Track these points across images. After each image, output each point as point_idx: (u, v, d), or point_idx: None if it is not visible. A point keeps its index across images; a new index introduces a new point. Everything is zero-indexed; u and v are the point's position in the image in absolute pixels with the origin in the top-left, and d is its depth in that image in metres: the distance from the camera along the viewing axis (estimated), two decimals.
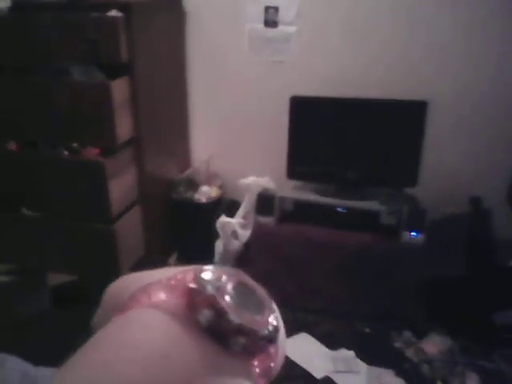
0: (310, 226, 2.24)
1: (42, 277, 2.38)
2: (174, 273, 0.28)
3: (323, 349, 2.03)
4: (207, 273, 0.27)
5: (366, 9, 2.30)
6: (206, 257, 2.39)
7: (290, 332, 1.98)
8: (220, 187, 2.68)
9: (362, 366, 1.94)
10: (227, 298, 0.26)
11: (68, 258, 2.26)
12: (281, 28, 2.42)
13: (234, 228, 2.38)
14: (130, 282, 0.31)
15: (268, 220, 2.27)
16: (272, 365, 0.29)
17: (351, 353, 2.00)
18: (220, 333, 0.26)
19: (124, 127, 2.10)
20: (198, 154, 2.78)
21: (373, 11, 2.29)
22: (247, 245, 2.34)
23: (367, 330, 2.14)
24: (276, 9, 2.39)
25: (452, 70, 2.28)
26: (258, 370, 0.28)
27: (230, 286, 0.27)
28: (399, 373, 1.89)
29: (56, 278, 2.38)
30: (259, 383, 0.28)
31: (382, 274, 2.13)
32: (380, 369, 1.92)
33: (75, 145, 2.20)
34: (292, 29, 2.41)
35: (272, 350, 0.29)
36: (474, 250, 2.07)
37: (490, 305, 2.06)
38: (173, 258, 2.65)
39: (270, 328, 0.28)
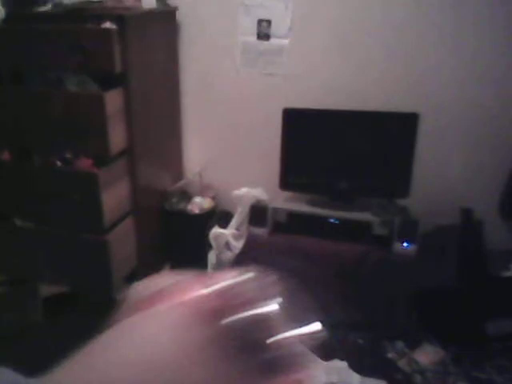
0: (302, 236, 2.25)
1: (33, 288, 2.36)
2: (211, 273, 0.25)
3: (316, 360, 2.03)
4: (250, 274, 0.25)
5: (358, 22, 2.33)
6: (198, 268, 2.38)
7: None
8: (213, 198, 2.68)
9: (354, 376, 1.94)
10: (269, 303, 0.23)
11: (60, 268, 2.25)
12: (273, 41, 2.44)
13: (227, 239, 2.38)
14: (162, 278, 0.28)
15: (261, 231, 2.28)
16: None
17: (344, 363, 2.00)
18: (252, 342, 0.23)
19: (117, 138, 2.11)
20: (191, 165, 2.79)
21: (365, 24, 2.32)
22: (240, 256, 2.34)
23: (360, 340, 2.14)
24: (269, 22, 2.42)
25: (445, 83, 2.31)
26: None
27: (273, 291, 0.24)
28: (392, 383, 1.89)
29: (48, 289, 2.36)
30: None
31: (374, 284, 2.14)
32: (373, 379, 1.91)
33: (68, 155, 2.20)
34: (285, 42, 2.43)
35: (304, 374, 0.25)
36: (466, 261, 2.08)
37: (481, 315, 2.07)
38: (166, 269, 2.64)
39: (308, 345, 0.24)
